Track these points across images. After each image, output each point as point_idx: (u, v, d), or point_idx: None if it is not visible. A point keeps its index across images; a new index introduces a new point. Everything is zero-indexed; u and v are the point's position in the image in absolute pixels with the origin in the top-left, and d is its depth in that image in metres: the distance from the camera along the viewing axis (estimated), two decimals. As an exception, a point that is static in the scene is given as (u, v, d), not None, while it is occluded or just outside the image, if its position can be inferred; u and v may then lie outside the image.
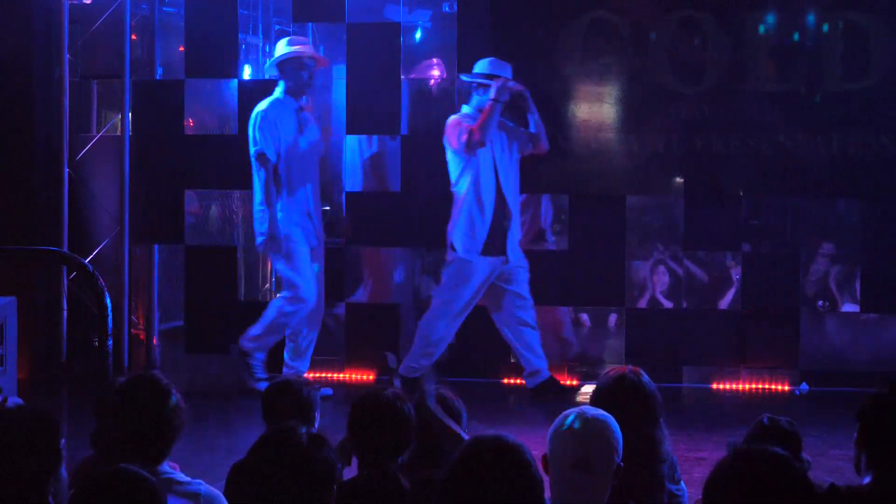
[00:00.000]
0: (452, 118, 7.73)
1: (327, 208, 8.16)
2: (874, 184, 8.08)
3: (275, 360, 7.94)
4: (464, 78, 7.81)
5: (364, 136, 8.85)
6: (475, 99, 7.71)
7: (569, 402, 3.85)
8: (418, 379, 3.95)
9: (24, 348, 7.65)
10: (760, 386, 8.19)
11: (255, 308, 9.04)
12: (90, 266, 7.47)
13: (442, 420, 3.87)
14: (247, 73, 9.85)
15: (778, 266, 8.36)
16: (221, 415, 7.31)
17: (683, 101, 8.18)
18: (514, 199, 7.78)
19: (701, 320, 8.43)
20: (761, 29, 8.17)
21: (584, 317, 9.55)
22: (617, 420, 3.33)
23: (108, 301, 7.06)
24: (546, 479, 3.00)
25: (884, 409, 3.28)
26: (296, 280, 7.68)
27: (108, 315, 6.97)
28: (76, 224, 8.72)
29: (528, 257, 7.88)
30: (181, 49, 8.75)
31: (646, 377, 3.89)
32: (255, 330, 7.75)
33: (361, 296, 8.89)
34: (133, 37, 8.84)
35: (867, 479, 3.24)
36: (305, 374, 7.77)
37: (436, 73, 9.31)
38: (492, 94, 7.55)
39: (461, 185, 7.69)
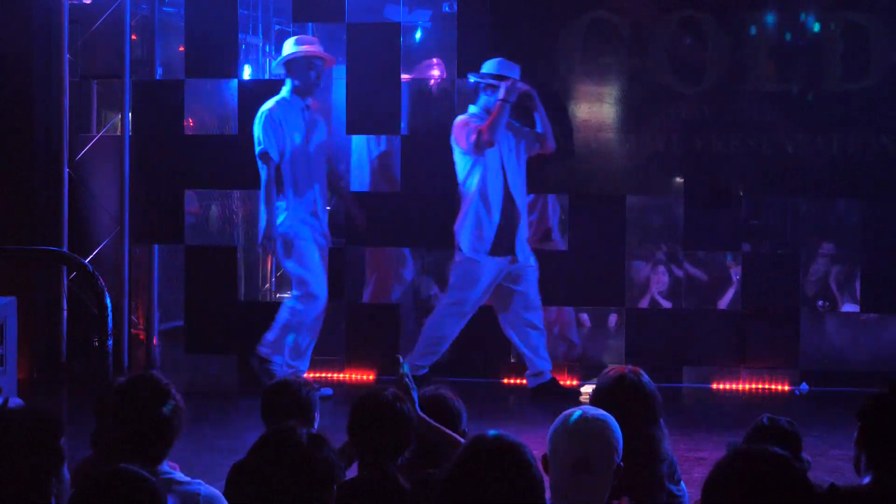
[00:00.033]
0: (460, 118, 7.74)
1: (328, 208, 8.14)
2: (874, 184, 8.08)
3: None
4: (472, 78, 7.80)
5: (373, 136, 8.83)
6: (482, 99, 7.72)
7: (569, 402, 3.83)
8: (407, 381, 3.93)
9: (24, 348, 7.65)
10: (760, 386, 8.19)
11: (255, 308, 9.07)
12: (90, 266, 7.46)
13: (436, 426, 3.86)
14: (247, 73, 9.85)
15: (778, 266, 8.36)
16: (221, 415, 7.31)
17: (683, 101, 8.17)
18: (521, 199, 7.79)
19: (701, 320, 8.43)
20: (761, 29, 8.17)
21: (584, 317, 9.56)
22: (617, 420, 3.33)
23: (108, 301, 7.05)
24: (546, 479, 3.00)
25: (884, 409, 3.28)
26: (306, 277, 7.66)
27: (108, 315, 6.97)
28: (76, 224, 8.72)
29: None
30: (181, 49, 8.75)
31: (646, 377, 3.89)
32: (270, 335, 7.72)
33: (364, 296, 8.87)
34: (133, 37, 8.84)
35: (867, 479, 3.24)
36: (305, 374, 7.77)
37: (436, 73, 9.31)
38: (501, 94, 7.56)
39: (469, 185, 7.70)
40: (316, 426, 4.01)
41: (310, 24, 9.42)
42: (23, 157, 8.58)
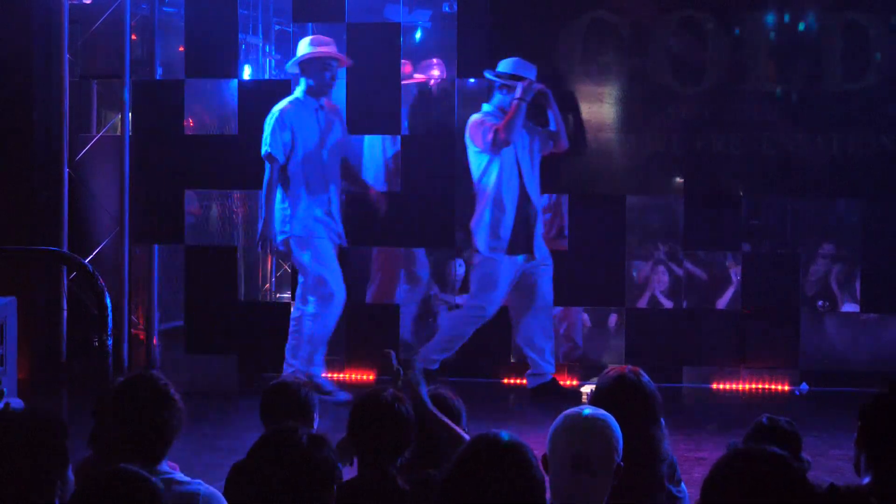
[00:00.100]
0: (474, 117, 7.76)
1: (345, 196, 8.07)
2: (874, 184, 8.07)
3: (277, 357, 7.93)
4: (488, 76, 7.80)
5: (388, 136, 8.80)
6: (497, 97, 7.74)
7: (569, 402, 3.83)
8: (414, 374, 3.94)
9: (24, 348, 7.65)
10: (760, 386, 8.19)
11: (255, 308, 9.08)
12: (90, 266, 7.46)
13: (443, 420, 3.87)
14: (247, 73, 9.86)
15: (778, 266, 8.36)
16: (221, 415, 7.31)
17: (683, 101, 8.17)
18: (537, 197, 7.81)
19: (701, 320, 8.43)
20: (761, 29, 8.17)
21: (584, 317, 9.55)
22: (617, 420, 3.33)
23: (108, 301, 7.05)
24: (546, 479, 3.00)
25: (884, 409, 3.28)
26: (325, 275, 7.60)
27: (108, 315, 6.96)
28: (76, 224, 8.72)
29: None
30: (181, 49, 8.75)
31: (646, 377, 3.89)
32: (302, 352, 7.69)
33: (367, 295, 8.86)
34: (133, 37, 8.84)
35: (867, 479, 3.24)
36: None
37: (436, 73, 9.31)
38: (518, 93, 7.59)
39: (484, 183, 7.72)
40: (315, 426, 4.01)
41: (310, 24, 9.41)
42: (23, 157, 8.58)
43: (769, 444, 2.99)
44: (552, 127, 7.84)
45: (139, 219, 8.62)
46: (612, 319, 9.68)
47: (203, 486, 3.43)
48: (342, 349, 8.44)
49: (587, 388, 7.79)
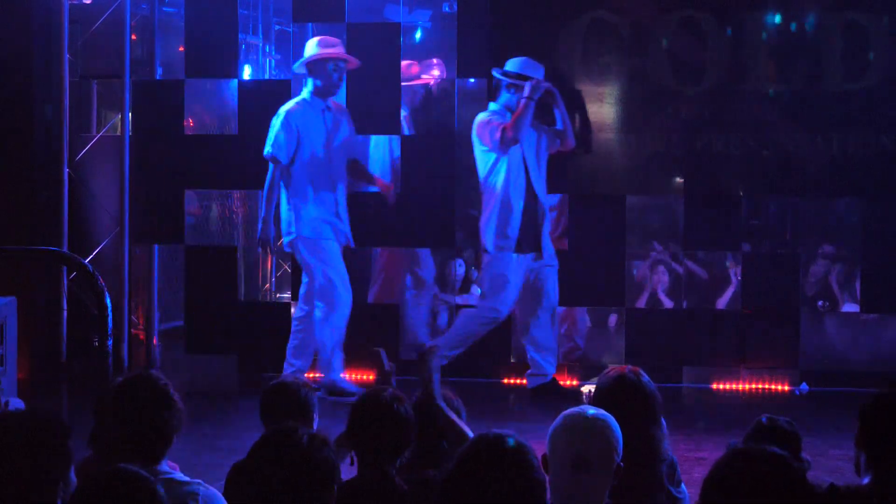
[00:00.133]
0: (481, 116, 7.76)
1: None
2: (874, 184, 8.07)
3: (277, 357, 7.94)
4: (496, 75, 7.80)
5: (396, 136, 8.79)
6: (504, 97, 7.74)
7: (569, 402, 3.83)
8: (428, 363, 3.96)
9: (24, 348, 7.64)
10: (760, 386, 8.19)
11: (255, 308, 9.07)
12: (90, 266, 7.46)
13: (451, 417, 3.88)
14: (247, 73, 9.86)
15: (778, 266, 8.36)
16: (221, 415, 7.31)
17: (683, 101, 8.17)
18: (544, 195, 7.82)
19: (701, 320, 8.43)
20: (761, 29, 8.17)
21: (585, 317, 9.55)
22: (617, 420, 3.33)
23: (108, 301, 7.04)
24: (546, 479, 3.00)
25: (884, 409, 3.28)
26: (333, 276, 7.57)
27: (108, 315, 6.96)
28: (76, 224, 8.72)
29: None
30: (181, 49, 8.75)
31: (646, 377, 3.89)
32: (323, 357, 7.65)
33: (370, 295, 8.84)
34: (133, 37, 8.84)
35: (867, 479, 3.23)
36: (306, 374, 7.77)
37: (436, 72, 9.31)
38: (526, 92, 7.59)
39: (490, 182, 7.72)
40: (315, 427, 4.01)
41: (310, 24, 9.42)
42: (23, 157, 8.58)
43: (769, 444, 2.99)
44: (559, 125, 7.85)
45: (139, 219, 8.62)
46: (612, 319, 9.68)
47: (202, 487, 3.43)
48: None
49: (587, 388, 7.79)
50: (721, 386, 8.22)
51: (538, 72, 7.71)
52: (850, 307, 9.08)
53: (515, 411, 7.71)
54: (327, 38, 7.84)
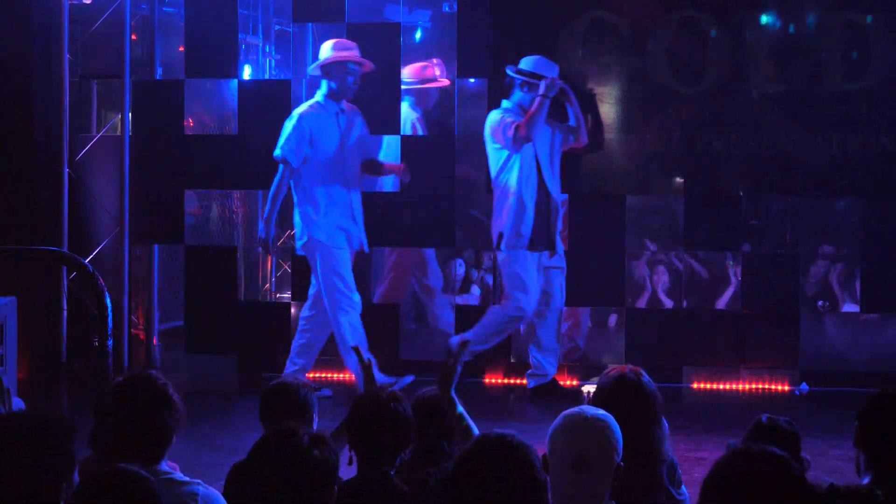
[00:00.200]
0: (494, 114, 7.76)
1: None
2: (874, 184, 8.07)
3: (277, 357, 7.94)
4: (510, 73, 7.80)
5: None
6: (517, 95, 7.75)
7: (569, 402, 3.84)
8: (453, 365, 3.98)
9: (24, 348, 7.65)
10: (760, 386, 8.19)
11: (255, 308, 9.07)
12: (90, 266, 7.46)
13: (461, 414, 3.89)
14: (247, 73, 9.85)
15: (778, 266, 8.36)
16: (221, 415, 7.32)
17: (683, 101, 8.17)
18: (557, 193, 7.82)
19: (701, 320, 8.43)
20: (761, 29, 8.17)
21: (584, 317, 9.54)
22: (617, 420, 3.33)
23: (108, 301, 7.05)
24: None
25: (883, 410, 3.28)
26: (337, 284, 7.54)
27: (108, 315, 6.96)
28: (76, 224, 8.72)
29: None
30: (181, 49, 8.75)
31: (646, 377, 3.89)
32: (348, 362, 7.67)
33: (375, 295, 8.83)
34: (133, 37, 8.84)
35: (867, 480, 3.24)
36: (308, 374, 7.76)
37: (436, 72, 9.30)
38: (541, 90, 7.61)
39: (502, 180, 7.72)
40: (315, 427, 4.01)
41: (310, 24, 9.41)
42: (23, 157, 8.58)
43: (769, 444, 2.99)
44: (572, 122, 7.86)
45: (139, 219, 8.63)
46: (612, 319, 9.68)
47: (202, 487, 3.43)
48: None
49: (587, 388, 7.79)
50: (721, 386, 8.22)
51: (553, 70, 7.73)
52: (850, 307, 9.08)
53: (515, 411, 7.71)
54: (343, 40, 7.82)
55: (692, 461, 5.82)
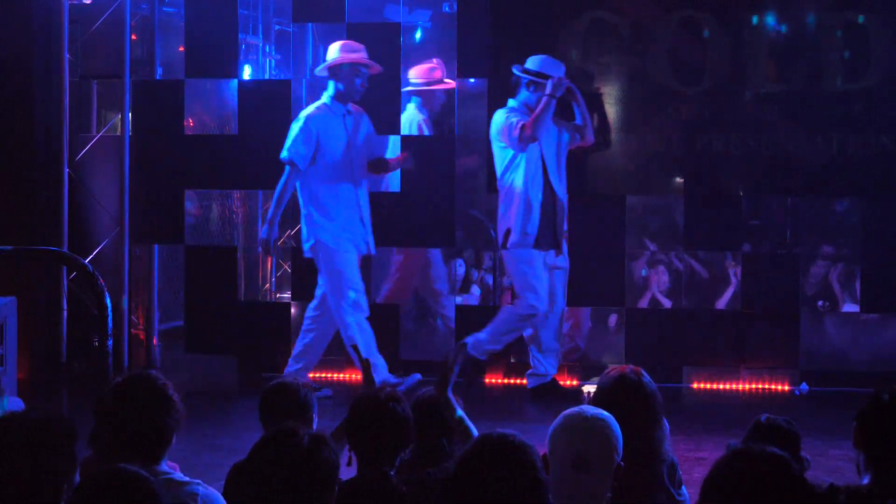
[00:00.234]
0: (500, 113, 7.76)
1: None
2: (874, 184, 8.08)
3: (277, 357, 7.93)
4: (516, 72, 7.79)
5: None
6: (523, 94, 7.75)
7: (569, 402, 3.84)
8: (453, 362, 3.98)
9: (24, 348, 7.64)
10: (760, 386, 8.19)
11: (255, 308, 9.07)
12: (90, 266, 7.45)
13: (459, 413, 3.88)
14: (247, 73, 9.85)
15: (778, 266, 8.36)
16: (221, 415, 7.32)
17: (683, 101, 8.17)
18: (563, 192, 7.81)
19: (701, 320, 8.43)
20: (761, 29, 8.17)
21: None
22: (617, 420, 3.33)
23: (108, 301, 7.04)
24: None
25: (883, 410, 3.28)
26: (343, 288, 7.54)
27: (108, 315, 6.96)
28: (76, 224, 8.72)
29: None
30: (181, 49, 8.75)
31: (646, 377, 3.89)
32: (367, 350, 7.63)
33: (380, 295, 8.82)
34: (133, 37, 8.84)
35: (867, 479, 3.23)
36: (309, 374, 7.76)
37: (436, 73, 9.29)
38: (548, 89, 7.60)
39: (508, 179, 7.73)
40: (315, 427, 4.01)
41: (310, 24, 9.41)
42: (23, 157, 8.58)
43: (769, 444, 2.98)
44: (578, 121, 7.86)
45: (139, 219, 8.62)
46: (612, 319, 9.67)
47: (201, 487, 3.43)
48: (342, 349, 8.43)
49: (587, 388, 7.79)
50: (721, 386, 8.22)
51: (559, 70, 7.72)
52: (850, 307, 9.07)
53: (515, 411, 7.71)
54: (351, 42, 7.81)
55: (692, 461, 5.82)
